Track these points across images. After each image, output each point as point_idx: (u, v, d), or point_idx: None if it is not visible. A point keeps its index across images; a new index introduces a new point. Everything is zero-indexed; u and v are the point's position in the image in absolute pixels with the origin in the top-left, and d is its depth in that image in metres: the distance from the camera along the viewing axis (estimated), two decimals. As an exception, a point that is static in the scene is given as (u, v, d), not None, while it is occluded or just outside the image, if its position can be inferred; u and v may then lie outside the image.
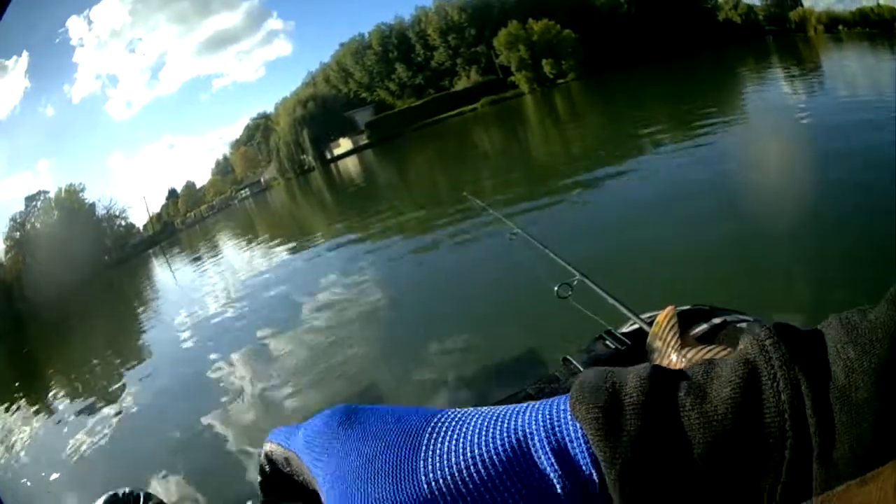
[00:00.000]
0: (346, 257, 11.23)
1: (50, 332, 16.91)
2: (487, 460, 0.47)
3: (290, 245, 15.00)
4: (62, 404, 8.93)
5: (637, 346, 1.50)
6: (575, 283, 1.92)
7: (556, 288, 1.94)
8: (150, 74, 40.87)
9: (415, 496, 0.47)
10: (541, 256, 2.16)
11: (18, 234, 26.40)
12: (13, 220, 26.54)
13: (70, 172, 31.30)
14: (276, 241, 16.55)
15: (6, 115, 29.20)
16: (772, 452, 0.43)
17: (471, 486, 0.47)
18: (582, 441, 0.46)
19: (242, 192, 35.55)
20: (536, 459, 0.47)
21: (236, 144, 37.64)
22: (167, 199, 35.00)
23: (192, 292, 14.77)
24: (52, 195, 28.31)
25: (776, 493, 0.43)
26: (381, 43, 35.42)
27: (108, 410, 7.66)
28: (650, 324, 1.42)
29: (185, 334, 10.15)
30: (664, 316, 1.30)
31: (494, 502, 0.46)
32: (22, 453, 7.58)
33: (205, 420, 6.11)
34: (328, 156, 35.46)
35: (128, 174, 40.74)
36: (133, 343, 11.27)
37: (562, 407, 0.49)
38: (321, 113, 35.45)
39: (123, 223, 31.79)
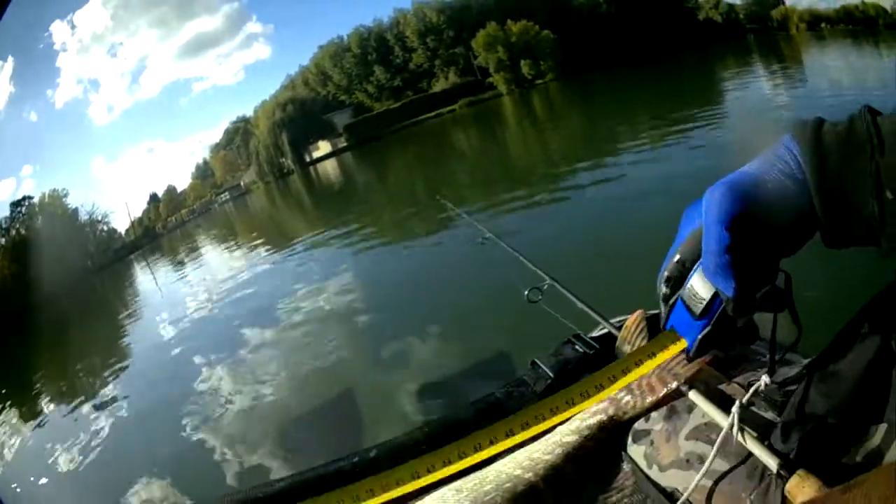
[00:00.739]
0: (321, 261, 11.35)
1: (35, 338, 16.80)
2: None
3: (268, 249, 15.08)
4: (47, 409, 8.94)
5: (606, 350, 1.59)
6: (545, 287, 2.01)
7: (526, 292, 2.03)
8: (130, 79, 40.74)
9: None
10: (512, 261, 2.24)
11: (3, 240, 26.19)
12: (-2, 226, 26.38)
13: (54, 178, 31.26)
14: (255, 245, 16.61)
15: (-10, 120, 28.97)
16: None
17: None
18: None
19: (222, 195, 35.39)
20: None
21: (216, 148, 37.49)
22: (148, 203, 34.80)
23: (174, 296, 14.82)
24: (36, 201, 28.13)
25: None
26: (359, 45, 35.37)
27: (93, 415, 7.69)
28: (619, 328, 1.51)
29: (168, 338, 10.19)
30: (632, 320, 1.41)
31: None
32: (8, 457, 7.58)
33: (187, 422, 6.16)
34: (307, 159, 35.36)
35: (109, 179, 40.45)
36: (117, 348, 11.27)
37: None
38: (300, 116, 35.37)
39: (106, 228, 31.64)
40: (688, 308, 0.96)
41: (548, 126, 21.95)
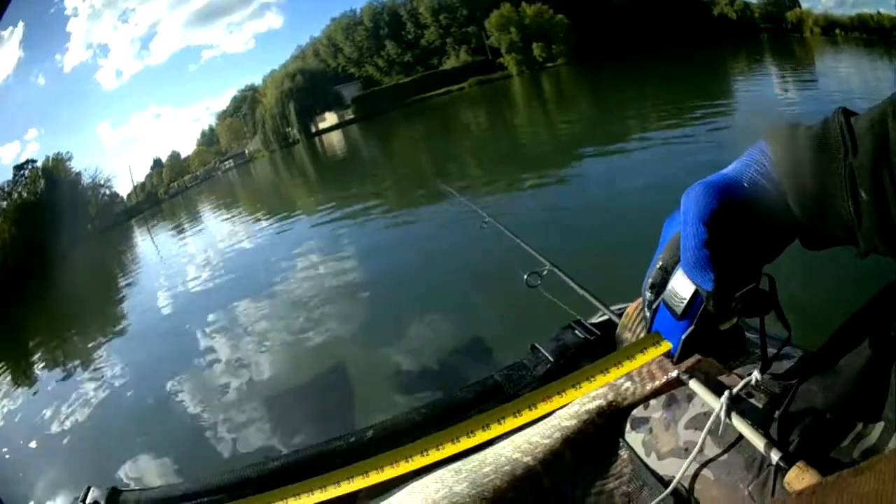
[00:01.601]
0: (321, 233, 11.30)
1: (34, 302, 16.81)
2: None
3: (269, 217, 15.03)
4: (42, 374, 8.96)
5: (606, 337, 1.58)
6: (545, 272, 2.00)
7: (525, 277, 2.01)
8: (140, 45, 40.36)
9: None
10: (512, 245, 2.23)
11: (5, 203, 26.13)
12: (1, 189, 26.28)
13: (58, 141, 30.98)
14: (256, 213, 16.56)
15: (-1, 85, 28.76)
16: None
17: None
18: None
19: (226, 163, 35.30)
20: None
21: (222, 116, 37.28)
22: (152, 168, 34.66)
23: (173, 262, 14.79)
24: (39, 164, 28.04)
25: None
26: (372, 19, 35.14)
27: (88, 381, 7.70)
28: (620, 315, 1.50)
29: (166, 304, 10.18)
30: (634, 308, 1.40)
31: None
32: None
33: (181, 392, 6.17)
34: (313, 129, 35.27)
35: (114, 144, 40.23)
36: (114, 313, 11.27)
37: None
38: (308, 87, 35.20)
39: (108, 192, 31.48)
40: (670, 309, 0.98)
41: (556, 109, 21.86)
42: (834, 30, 25.54)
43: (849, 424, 0.89)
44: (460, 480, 1.15)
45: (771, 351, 1.08)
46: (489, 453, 1.15)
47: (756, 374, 1.04)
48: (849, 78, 16.21)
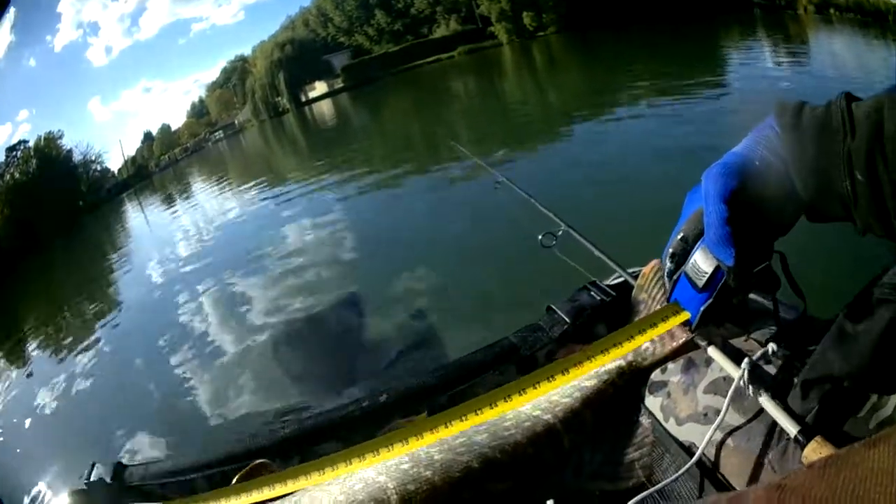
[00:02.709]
0: (320, 200, 11.27)
1: (25, 282, 16.74)
2: None
3: (262, 186, 14.98)
4: (36, 354, 8.93)
5: (622, 299, 1.57)
6: (560, 233, 1.99)
7: (539, 237, 2.00)
8: (130, 21, 39.67)
9: None
10: (525, 206, 2.21)
11: (-2, 184, 26.00)
12: (-8, 170, 26.14)
13: (50, 121, 30.70)
14: (248, 183, 16.48)
15: (-12, 70, 28.48)
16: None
17: None
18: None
19: (216, 133, 35.12)
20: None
21: (212, 87, 37.00)
22: (142, 142, 34.41)
23: (165, 235, 14.73)
24: (31, 144, 27.88)
25: None
26: (362, -12, 34.91)
27: (83, 359, 7.67)
28: (635, 277, 1.49)
29: (159, 278, 10.15)
30: (650, 269, 1.40)
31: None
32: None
33: (176, 367, 6.15)
34: (303, 98, 35.13)
35: (105, 119, 39.94)
36: (106, 289, 11.23)
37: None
38: (298, 56, 34.99)
39: (99, 168, 31.25)
40: (691, 282, 1.07)
41: (548, 77, 21.82)
42: (828, 9, 25.39)
43: (864, 395, 0.93)
44: (480, 431, 1.17)
45: (786, 320, 1.16)
46: (507, 407, 1.16)
47: (772, 346, 1.10)
48: (842, 55, 16.20)
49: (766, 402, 1.00)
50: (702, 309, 1.07)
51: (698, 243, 1.04)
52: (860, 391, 0.92)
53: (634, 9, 28.36)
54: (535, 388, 1.05)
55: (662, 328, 1.08)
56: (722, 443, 1.06)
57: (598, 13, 29.45)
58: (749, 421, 1.05)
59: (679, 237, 1.07)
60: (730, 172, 0.92)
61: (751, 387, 1.03)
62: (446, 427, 1.04)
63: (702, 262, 1.03)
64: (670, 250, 1.09)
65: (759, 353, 1.10)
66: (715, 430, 1.05)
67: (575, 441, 1.18)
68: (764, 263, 0.98)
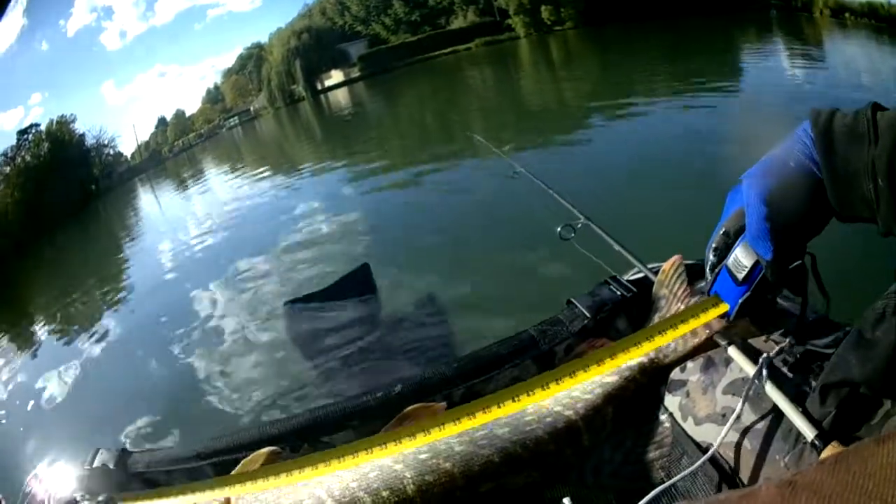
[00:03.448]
0: (334, 187, 11.22)
1: (37, 265, 16.81)
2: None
3: (276, 173, 14.98)
4: (45, 337, 8.97)
5: (642, 294, 1.55)
6: (579, 225, 1.97)
7: (558, 229, 1.99)
8: (145, 6, 39.79)
9: None
10: (543, 197, 2.19)
11: (9, 168, 26.08)
12: (4, 154, 26.18)
13: (62, 104, 30.76)
14: (262, 170, 16.46)
15: (1, 53, 28.56)
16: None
17: None
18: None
19: (231, 120, 35.19)
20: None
21: (228, 73, 37.10)
22: (156, 127, 34.51)
23: (177, 220, 14.75)
24: (43, 128, 27.94)
25: None
26: (380, -22, 34.89)
27: (90, 343, 7.70)
28: (655, 273, 1.48)
29: (170, 263, 10.17)
30: (671, 265, 1.39)
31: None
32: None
33: (185, 352, 6.15)
34: (319, 87, 35.18)
35: (119, 103, 40.05)
36: (117, 274, 11.27)
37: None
38: (315, 44, 35.05)
39: (112, 152, 31.35)
40: (731, 275, 1.13)
41: (564, 71, 21.76)
42: (844, 13, 25.31)
43: (879, 401, 0.96)
44: (501, 425, 1.18)
45: (806, 321, 1.18)
46: (529, 401, 1.16)
47: (790, 340, 1.14)
48: (856, 59, 16.10)
49: (784, 404, 1.02)
50: (740, 301, 1.14)
51: (739, 239, 1.10)
52: (876, 397, 0.95)
53: (652, 5, 28.27)
54: (558, 383, 1.05)
55: (704, 319, 1.14)
56: (739, 444, 1.08)
57: (616, 9, 29.35)
58: (766, 422, 1.06)
59: (721, 232, 1.13)
60: (768, 174, 1.01)
61: (767, 387, 1.05)
62: (470, 418, 1.04)
63: (742, 257, 1.09)
64: (713, 244, 1.15)
65: (774, 351, 1.13)
66: (729, 428, 1.07)
67: (595, 440, 1.19)
68: (798, 261, 1.04)
